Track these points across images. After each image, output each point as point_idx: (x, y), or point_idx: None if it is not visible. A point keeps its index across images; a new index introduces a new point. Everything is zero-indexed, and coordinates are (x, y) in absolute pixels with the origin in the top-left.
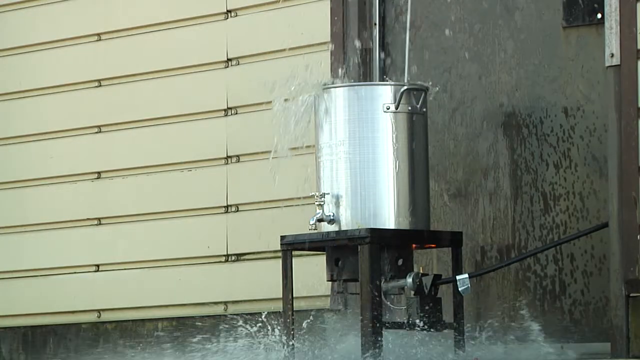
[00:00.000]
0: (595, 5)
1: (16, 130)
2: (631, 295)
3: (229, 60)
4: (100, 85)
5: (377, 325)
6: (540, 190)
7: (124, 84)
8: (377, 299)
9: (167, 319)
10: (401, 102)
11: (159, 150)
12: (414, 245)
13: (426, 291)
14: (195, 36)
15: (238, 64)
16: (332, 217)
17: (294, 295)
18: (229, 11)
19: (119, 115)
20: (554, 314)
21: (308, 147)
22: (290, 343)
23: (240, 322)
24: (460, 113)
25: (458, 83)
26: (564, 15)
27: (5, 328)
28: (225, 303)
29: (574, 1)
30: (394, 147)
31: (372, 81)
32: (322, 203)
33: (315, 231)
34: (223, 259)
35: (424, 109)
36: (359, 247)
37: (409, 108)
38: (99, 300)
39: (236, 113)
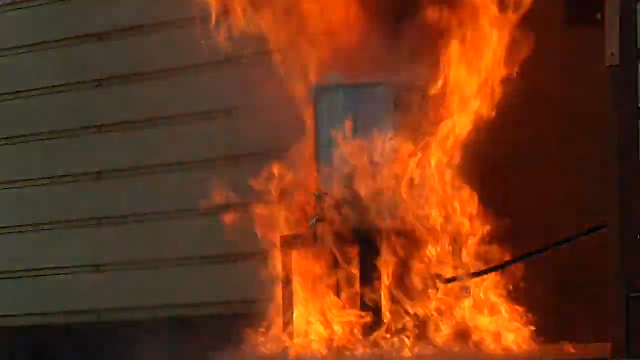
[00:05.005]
0: (596, 5)
1: (16, 130)
2: (631, 295)
3: (229, 60)
4: (100, 86)
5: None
6: (539, 190)
7: (124, 84)
8: (377, 299)
9: (167, 319)
10: (401, 102)
11: (158, 150)
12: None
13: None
14: (195, 36)
15: (239, 64)
16: (331, 217)
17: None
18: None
19: (119, 115)
20: (554, 314)
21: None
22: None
23: None
24: None
25: None
26: (564, 16)
27: (5, 328)
28: (225, 303)
29: (574, 1)
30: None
31: None
32: (322, 203)
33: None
34: (222, 258)
35: (424, 109)
36: (359, 246)
37: (409, 108)
38: (99, 300)
39: (236, 114)
